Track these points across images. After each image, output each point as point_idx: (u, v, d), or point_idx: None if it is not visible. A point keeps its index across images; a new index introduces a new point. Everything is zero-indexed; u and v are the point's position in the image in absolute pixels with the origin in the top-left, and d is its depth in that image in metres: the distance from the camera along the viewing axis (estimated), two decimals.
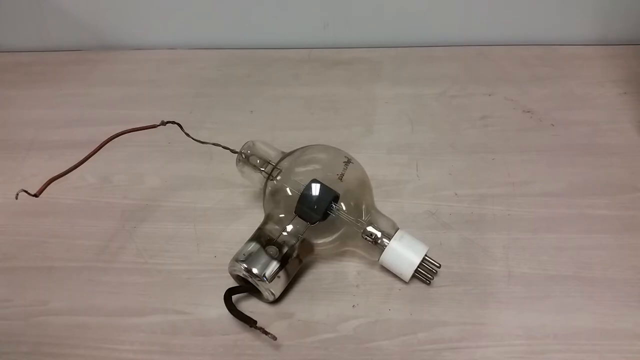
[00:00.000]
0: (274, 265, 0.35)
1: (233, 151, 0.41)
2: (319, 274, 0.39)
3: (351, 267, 0.40)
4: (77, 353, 0.36)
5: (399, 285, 0.38)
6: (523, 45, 0.62)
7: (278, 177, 0.39)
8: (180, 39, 0.66)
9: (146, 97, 0.58)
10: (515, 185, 0.45)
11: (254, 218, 0.41)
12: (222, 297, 0.35)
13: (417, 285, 0.38)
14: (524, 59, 0.60)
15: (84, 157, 0.34)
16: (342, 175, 0.38)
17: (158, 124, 0.37)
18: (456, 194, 0.45)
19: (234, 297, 0.36)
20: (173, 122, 0.39)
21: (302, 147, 0.41)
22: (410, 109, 0.54)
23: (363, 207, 0.38)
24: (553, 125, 0.51)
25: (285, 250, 0.36)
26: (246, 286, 0.37)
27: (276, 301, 0.37)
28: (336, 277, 0.39)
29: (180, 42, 0.66)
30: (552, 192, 0.44)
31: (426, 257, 0.37)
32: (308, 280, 0.39)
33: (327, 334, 0.36)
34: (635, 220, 0.42)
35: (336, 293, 0.38)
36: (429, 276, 0.37)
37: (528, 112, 0.53)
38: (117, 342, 0.36)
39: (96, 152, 0.34)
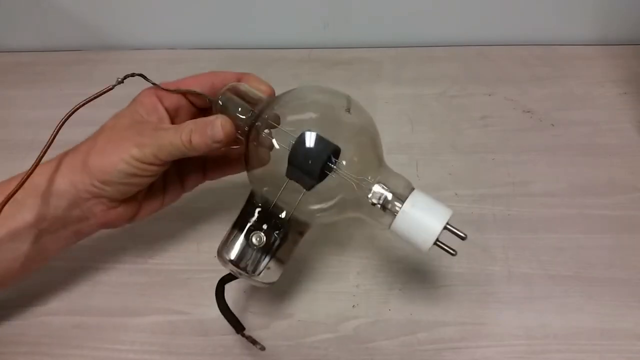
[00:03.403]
0: (260, 258, 0.31)
1: (210, 99, 0.35)
2: (319, 274, 0.39)
3: (351, 267, 0.40)
4: (77, 353, 0.36)
5: (399, 285, 0.38)
6: (523, 45, 0.62)
7: (265, 130, 0.31)
8: (180, 39, 0.66)
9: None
10: (515, 185, 0.45)
11: None
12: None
13: (417, 285, 0.38)
14: (524, 59, 0.60)
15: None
16: (349, 108, 0.32)
17: (114, 83, 0.33)
18: (456, 194, 0.45)
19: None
20: (133, 75, 0.34)
21: (288, 91, 0.34)
22: (410, 109, 0.54)
23: (370, 162, 0.32)
24: (553, 125, 0.51)
25: (272, 236, 0.31)
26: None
27: (276, 301, 0.37)
28: (336, 277, 0.39)
29: (180, 42, 0.66)
30: (552, 192, 0.44)
31: (449, 226, 0.30)
32: (308, 280, 0.39)
33: (327, 334, 0.36)
34: (635, 220, 0.42)
35: (336, 293, 0.38)
36: (453, 247, 0.30)
37: (528, 112, 0.53)
38: (117, 342, 0.36)
39: (55, 135, 0.32)
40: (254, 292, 0.38)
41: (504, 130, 0.51)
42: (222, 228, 0.43)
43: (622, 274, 0.38)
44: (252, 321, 0.37)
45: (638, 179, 0.45)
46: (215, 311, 0.37)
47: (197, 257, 0.41)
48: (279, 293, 0.38)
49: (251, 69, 0.61)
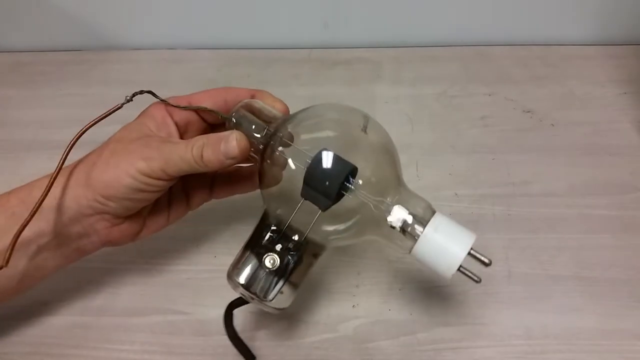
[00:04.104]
0: (274, 282, 0.30)
1: (223, 117, 0.34)
2: (319, 274, 0.39)
3: (351, 267, 0.40)
4: (77, 353, 0.36)
5: (399, 285, 0.38)
6: (523, 45, 0.62)
7: (279, 148, 0.30)
8: (180, 39, 0.66)
9: (146, 98, 0.58)
10: (515, 185, 0.45)
11: (255, 217, 0.41)
12: (222, 296, 0.34)
13: (417, 285, 0.38)
14: (524, 59, 0.60)
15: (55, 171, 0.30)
16: (365, 127, 0.31)
17: (123, 102, 0.32)
18: (456, 194, 0.45)
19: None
20: (142, 92, 0.32)
21: (303, 109, 0.33)
22: (410, 109, 0.54)
23: (388, 182, 0.31)
24: (553, 125, 0.51)
25: (286, 259, 0.30)
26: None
27: None
28: (336, 277, 0.39)
29: (180, 42, 0.66)
30: (552, 192, 0.44)
31: (472, 252, 0.29)
32: (308, 280, 0.39)
33: (327, 334, 0.36)
34: (635, 220, 0.42)
35: (336, 293, 0.38)
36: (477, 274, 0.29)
37: (528, 112, 0.53)
38: (117, 342, 0.36)
39: (65, 158, 0.30)
40: None
41: (504, 130, 0.51)
42: (222, 228, 0.43)
43: (622, 274, 0.38)
44: (252, 321, 0.37)
45: (638, 179, 0.45)
46: (215, 311, 0.37)
47: (197, 257, 0.41)
48: None
49: (251, 69, 0.62)
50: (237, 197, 0.45)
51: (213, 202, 0.45)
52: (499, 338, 0.35)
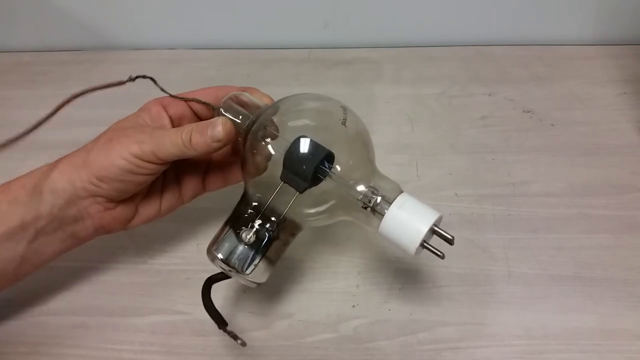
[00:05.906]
0: (252, 256, 0.31)
1: (212, 107, 0.36)
2: (319, 274, 0.39)
3: (351, 267, 0.40)
4: (77, 353, 0.36)
5: (399, 285, 0.38)
6: (523, 45, 0.62)
7: (261, 135, 0.33)
8: (180, 39, 0.66)
9: (146, 97, 0.58)
10: (515, 185, 0.45)
11: None
12: (222, 296, 0.35)
13: (417, 285, 0.38)
14: (524, 59, 0.60)
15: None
16: (345, 120, 0.33)
17: (125, 80, 0.35)
18: (456, 194, 0.45)
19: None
20: (144, 77, 0.36)
21: (284, 98, 0.35)
22: (410, 109, 0.54)
23: (362, 167, 0.33)
24: (553, 125, 0.51)
25: (263, 235, 0.31)
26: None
27: (277, 301, 0.37)
28: (336, 277, 0.39)
29: (180, 42, 0.66)
30: (552, 192, 0.44)
31: (436, 228, 0.30)
32: (308, 280, 0.39)
33: (327, 334, 0.36)
34: (635, 220, 0.42)
35: (336, 293, 0.38)
36: (441, 250, 0.30)
37: (528, 112, 0.53)
38: (117, 342, 0.36)
39: (55, 113, 0.33)
40: (254, 292, 0.38)
41: (504, 130, 0.51)
42: None
43: (622, 274, 0.38)
44: (252, 321, 0.37)
45: (638, 179, 0.45)
46: None
47: (197, 257, 0.41)
48: (279, 293, 0.38)
49: (251, 69, 0.62)
50: (238, 198, 0.46)
51: (213, 202, 0.45)
52: (499, 338, 0.35)
